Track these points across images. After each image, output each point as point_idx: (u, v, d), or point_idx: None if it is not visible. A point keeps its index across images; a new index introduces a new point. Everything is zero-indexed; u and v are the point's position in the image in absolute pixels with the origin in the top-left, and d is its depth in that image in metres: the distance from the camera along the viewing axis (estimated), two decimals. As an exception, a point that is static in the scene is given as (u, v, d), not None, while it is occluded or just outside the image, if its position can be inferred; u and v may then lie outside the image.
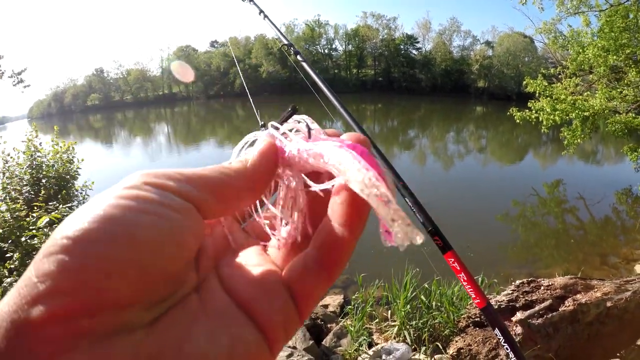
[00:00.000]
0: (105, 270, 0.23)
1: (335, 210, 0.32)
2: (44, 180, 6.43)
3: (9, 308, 0.22)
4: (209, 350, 0.26)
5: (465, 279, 1.65)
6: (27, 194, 6.05)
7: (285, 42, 2.49)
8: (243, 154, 0.37)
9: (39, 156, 6.63)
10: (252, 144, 0.38)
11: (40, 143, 6.76)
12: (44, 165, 6.58)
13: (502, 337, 1.56)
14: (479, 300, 1.63)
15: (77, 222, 0.24)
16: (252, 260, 0.35)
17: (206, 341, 0.27)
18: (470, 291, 1.66)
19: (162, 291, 0.27)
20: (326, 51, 72.48)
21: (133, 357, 0.23)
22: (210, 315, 0.29)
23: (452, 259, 1.69)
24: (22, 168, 6.39)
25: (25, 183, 6.23)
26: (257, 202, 0.40)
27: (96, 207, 0.25)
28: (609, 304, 3.50)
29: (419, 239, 0.28)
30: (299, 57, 2.41)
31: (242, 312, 0.30)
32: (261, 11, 2.89)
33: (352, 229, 0.31)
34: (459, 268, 1.67)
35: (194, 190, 0.30)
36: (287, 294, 0.32)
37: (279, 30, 2.62)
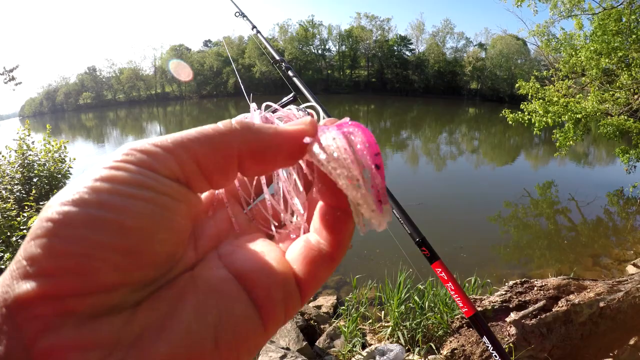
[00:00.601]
0: (89, 255, 0.23)
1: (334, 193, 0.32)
2: (35, 179, 6.35)
3: (1, 288, 0.23)
4: (194, 325, 0.26)
5: (453, 288, 1.66)
6: (18, 193, 5.98)
7: (277, 58, 2.48)
8: None
9: (30, 155, 6.56)
10: None
11: (33, 142, 6.69)
12: (35, 164, 6.50)
13: (490, 345, 1.57)
14: (466, 309, 1.64)
15: (63, 204, 0.24)
16: (255, 242, 0.35)
17: (192, 316, 0.26)
18: (458, 300, 1.67)
19: (150, 274, 0.26)
20: (320, 52, 72.56)
21: (116, 337, 0.24)
22: (200, 290, 0.28)
23: (440, 269, 1.70)
24: (14, 167, 6.32)
25: (16, 182, 6.16)
26: (262, 186, 0.40)
27: (82, 189, 0.25)
28: (602, 304, 3.51)
29: (381, 227, 0.30)
30: (290, 73, 2.40)
31: (239, 285, 0.30)
32: (254, 27, 2.89)
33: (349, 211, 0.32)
34: (446, 278, 1.68)
35: (182, 165, 0.29)
36: (290, 271, 0.32)
37: (270, 46, 2.61)
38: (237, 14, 3.02)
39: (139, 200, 0.25)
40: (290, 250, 0.34)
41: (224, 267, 0.31)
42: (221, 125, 0.31)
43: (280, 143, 0.32)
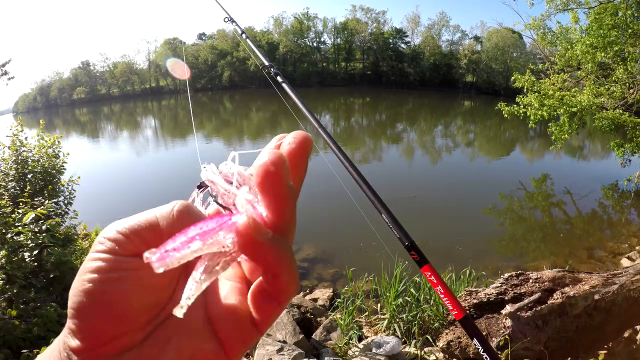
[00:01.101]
0: (96, 322, 0.34)
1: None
2: (29, 176, 6.30)
3: (63, 338, 0.35)
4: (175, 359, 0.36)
5: (443, 291, 1.67)
6: (12, 190, 5.95)
7: (266, 64, 2.47)
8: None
9: (24, 151, 6.50)
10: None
11: (26, 138, 6.62)
12: (29, 160, 6.44)
13: (481, 347, 1.58)
14: (456, 312, 1.65)
15: (80, 294, 0.34)
16: (225, 286, 0.43)
17: (174, 354, 0.36)
18: (448, 303, 1.67)
19: (144, 319, 0.36)
20: (315, 44, 72.29)
21: None
22: (181, 333, 0.37)
23: (429, 273, 1.70)
24: (8, 163, 6.27)
25: (10, 178, 6.12)
26: None
27: (85, 283, 0.34)
28: (596, 296, 3.53)
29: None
30: (279, 78, 2.39)
31: (210, 327, 0.39)
32: (242, 32, 2.88)
33: (277, 272, 0.36)
34: (435, 281, 1.69)
35: (136, 246, 0.36)
36: (247, 314, 0.39)
37: (258, 52, 2.59)
38: (227, 20, 3.02)
39: (116, 283, 0.34)
40: (251, 294, 0.39)
41: (204, 308, 0.40)
42: (164, 210, 0.38)
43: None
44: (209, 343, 0.38)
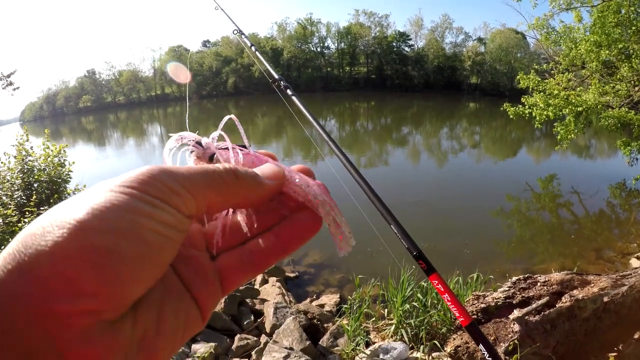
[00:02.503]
0: (123, 283, 0.29)
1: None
2: (35, 185, 6.33)
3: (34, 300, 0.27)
4: (174, 325, 0.34)
5: (449, 299, 1.68)
6: (18, 199, 5.97)
7: (276, 77, 2.48)
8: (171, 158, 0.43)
9: (30, 160, 6.54)
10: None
11: (32, 147, 6.66)
12: (35, 169, 6.48)
13: (487, 353, 1.58)
14: (463, 319, 1.66)
15: (104, 233, 0.28)
16: (192, 238, 0.41)
17: (173, 319, 0.34)
18: (455, 310, 1.68)
19: (154, 280, 0.32)
20: (318, 49, 72.45)
21: (129, 340, 0.30)
22: (172, 297, 0.35)
23: (436, 281, 1.72)
24: (14, 173, 6.31)
25: (16, 188, 6.15)
26: None
27: (131, 224, 0.30)
28: (605, 299, 3.49)
29: (349, 248, 0.46)
30: (288, 91, 2.39)
31: (187, 290, 0.37)
32: (252, 44, 2.89)
33: (284, 246, 0.42)
34: (442, 289, 1.70)
35: (199, 208, 0.35)
36: (217, 277, 0.40)
37: (269, 65, 2.60)
38: (235, 32, 3.03)
39: (155, 235, 0.31)
40: (227, 258, 0.41)
41: (173, 270, 0.38)
42: (227, 176, 0.38)
43: (271, 193, 0.42)
44: (194, 308, 0.37)
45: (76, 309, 0.27)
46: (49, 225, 0.28)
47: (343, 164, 1.98)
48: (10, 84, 9.47)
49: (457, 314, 1.67)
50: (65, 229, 0.28)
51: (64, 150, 7.01)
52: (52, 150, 6.80)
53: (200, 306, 0.38)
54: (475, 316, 3.69)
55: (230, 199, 0.38)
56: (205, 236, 0.42)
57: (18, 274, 0.27)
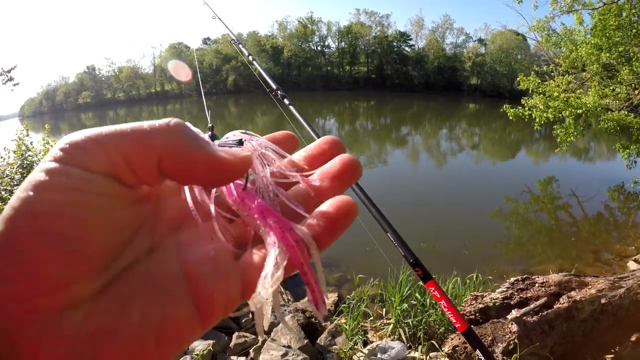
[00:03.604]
0: (36, 262, 0.26)
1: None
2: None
3: None
4: (141, 329, 0.29)
5: (446, 305, 1.71)
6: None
7: (274, 87, 2.50)
8: None
9: (29, 155, 6.51)
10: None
11: (31, 142, 6.64)
12: (34, 164, 6.45)
13: (483, 358, 1.59)
14: (459, 325, 1.68)
15: (9, 219, 0.27)
16: (215, 233, 0.37)
17: (138, 320, 0.29)
18: (451, 317, 1.71)
19: (96, 266, 0.29)
20: (319, 48, 72.44)
21: (76, 332, 0.27)
22: (149, 290, 0.31)
23: (433, 288, 1.75)
24: (13, 168, 6.29)
25: (15, 183, 6.11)
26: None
27: (23, 202, 0.28)
28: (603, 300, 3.51)
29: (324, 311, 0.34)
30: (285, 101, 2.41)
31: (186, 285, 0.33)
32: (249, 54, 2.93)
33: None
34: (439, 296, 1.73)
35: (109, 159, 0.31)
36: (237, 279, 0.34)
37: (267, 76, 2.62)
38: (233, 42, 3.07)
39: (71, 207, 0.28)
40: (250, 256, 0.36)
41: (178, 261, 0.34)
42: (155, 122, 0.33)
43: (205, 162, 0.34)
44: (182, 307, 0.32)
45: (5, 296, 0.26)
46: None
47: None
48: (11, 79, 9.46)
49: (454, 320, 1.70)
50: None
51: (64, 146, 6.98)
52: (52, 146, 6.77)
53: (199, 305, 0.32)
54: (473, 316, 3.71)
55: (143, 146, 0.32)
56: (232, 233, 0.38)
57: None
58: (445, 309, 1.70)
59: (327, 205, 0.37)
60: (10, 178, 6.15)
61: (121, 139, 0.31)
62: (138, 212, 0.34)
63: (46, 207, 0.28)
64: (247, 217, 0.37)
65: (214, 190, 0.39)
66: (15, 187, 6.03)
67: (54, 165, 0.29)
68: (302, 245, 0.34)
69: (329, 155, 0.42)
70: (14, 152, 6.41)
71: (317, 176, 0.41)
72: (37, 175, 0.29)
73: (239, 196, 0.38)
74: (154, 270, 0.33)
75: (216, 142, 0.39)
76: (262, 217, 0.36)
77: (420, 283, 4.59)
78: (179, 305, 0.32)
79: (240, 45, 3.00)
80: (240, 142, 0.39)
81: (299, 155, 0.44)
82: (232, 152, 0.36)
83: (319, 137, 2.12)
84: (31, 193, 0.28)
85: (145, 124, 0.33)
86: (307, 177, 0.41)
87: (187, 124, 0.35)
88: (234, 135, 0.42)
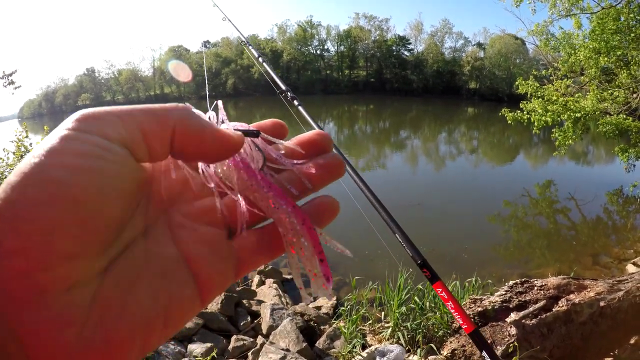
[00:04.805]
0: (46, 230, 0.25)
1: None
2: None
3: None
4: (150, 309, 0.30)
5: (453, 307, 1.71)
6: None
7: (283, 88, 2.51)
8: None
9: (28, 157, 6.50)
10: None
11: (31, 144, 6.63)
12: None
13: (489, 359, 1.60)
14: (466, 326, 1.68)
15: (19, 184, 0.26)
16: (207, 214, 0.38)
17: (148, 300, 0.30)
18: (458, 318, 1.71)
19: (103, 240, 0.29)
20: (318, 52, 72.55)
21: (86, 312, 0.27)
22: (152, 271, 0.32)
23: (440, 289, 1.75)
24: (12, 169, 6.27)
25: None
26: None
27: (37, 166, 0.26)
28: (602, 303, 3.51)
29: (327, 293, 0.38)
30: (295, 102, 2.42)
31: (185, 267, 0.34)
32: (259, 55, 2.93)
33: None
34: (446, 297, 1.74)
35: (128, 130, 0.31)
36: (233, 258, 0.37)
37: (276, 76, 2.63)
38: (242, 43, 3.08)
39: (87, 173, 0.27)
40: (243, 239, 0.38)
41: (174, 243, 0.35)
42: (165, 104, 0.35)
43: (212, 136, 0.36)
44: (186, 287, 0.33)
45: (4, 271, 0.24)
46: None
47: (351, 176, 1.98)
48: (12, 82, 9.45)
49: (461, 322, 1.71)
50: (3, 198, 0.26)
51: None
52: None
53: (199, 286, 0.34)
54: (472, 319, 3.70)
55: (160, 121, 0.33)
56: (224, 214, 0.39)
57: None
58: (453, 310, 1.71)
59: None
60: (9, 179, 6.12)
61: (138, 112, 0.33)
62: (140, 189, 0.34)
63: (60, 173, 0.27)
64: (262, 197, 0.38)
65: (212, 166, 0.40)
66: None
67: (68, 132, 0.29)
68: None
69: (319, 148, 0.44)
70: (14, 153, 6.39)
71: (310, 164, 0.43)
72: (49, 141, 0.28)
73: (255, 176, 0.39)
74: (154, 251, 0.33)
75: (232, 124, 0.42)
76: (281, 197, 0.38)
77: (420, 287, 4.61)
78: (184, 287, 0.33)
79: (250, 47, 3.00)
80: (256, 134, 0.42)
81: (290, 142, 0.45)
82: (230, 129, 0.39)
83: (335, 147, 2.12)
84: (44, 158, 0.27)
85: (157, 105, 0.34)
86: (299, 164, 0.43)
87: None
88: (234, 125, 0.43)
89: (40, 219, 0.25)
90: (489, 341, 3.34)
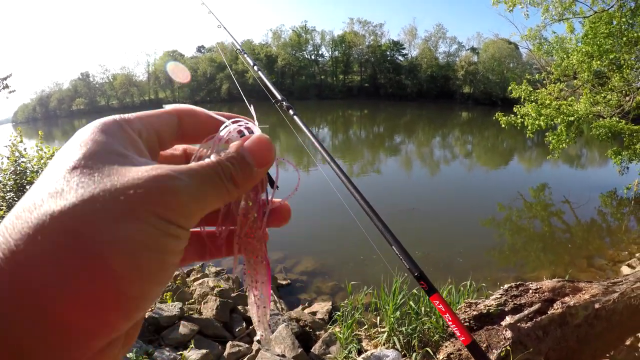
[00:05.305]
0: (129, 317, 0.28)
1: None
2: (28, 187, 6.26)
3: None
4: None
5: (450, 319, 1.71)
6: (10, 201, 5.91)
7: (279, 97, 2.52)
8: None
9: (23, 161, 6.45)
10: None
11: (25, 148, 6.59)
12: (28, 170, 6.41)
13: None
14: (464, 338, 1.69)
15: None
16: None
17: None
18: (456, 330, 1.71)
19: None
20: (313, 57, 72.76)
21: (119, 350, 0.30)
22: None
23: (437, 302, 1.75)
24: (6, 174, 6.23)
25: (9, 189, 6.07)
26: None
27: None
28: (597, 305, 3.51)
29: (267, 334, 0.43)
30: (290, 112, 2.42)
31: None
32: (254, 64, 2.94)
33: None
34: (444, 309, 1.73)
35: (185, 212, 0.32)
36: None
37: (272, 85, 2.63)
38: (238, 51, 3.09)
39: (172, 263, 0.31)
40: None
41: None
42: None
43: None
44: None
45: (95, 345, 0.26)
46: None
47: (345, 185, 1.98)
48: (7, 86, 9.42)
49: (459, 334, 1.70)
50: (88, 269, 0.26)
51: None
52: (45, 152, 6.73)
53: None
54: (467, 324, 3.69)
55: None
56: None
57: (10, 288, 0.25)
58: (450, 323, 1.70)
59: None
60: (2, 184, 6.10)
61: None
62: None
63: (171, 260, 0.31)
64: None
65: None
66: (8, 193, 5.98)
67: (163, 225, 0.30)
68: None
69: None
70: (8, 158, 6.35)
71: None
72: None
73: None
74: None
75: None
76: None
77: (415, 291, 4.61)
78: None
79: (245, 55, 3.00)
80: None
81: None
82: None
83: (321, 146, 2.12)
84: (160, 255, 0.29)
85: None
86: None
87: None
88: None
89: (137, 305, 0.28)
90: (484, 345, 3.34)
